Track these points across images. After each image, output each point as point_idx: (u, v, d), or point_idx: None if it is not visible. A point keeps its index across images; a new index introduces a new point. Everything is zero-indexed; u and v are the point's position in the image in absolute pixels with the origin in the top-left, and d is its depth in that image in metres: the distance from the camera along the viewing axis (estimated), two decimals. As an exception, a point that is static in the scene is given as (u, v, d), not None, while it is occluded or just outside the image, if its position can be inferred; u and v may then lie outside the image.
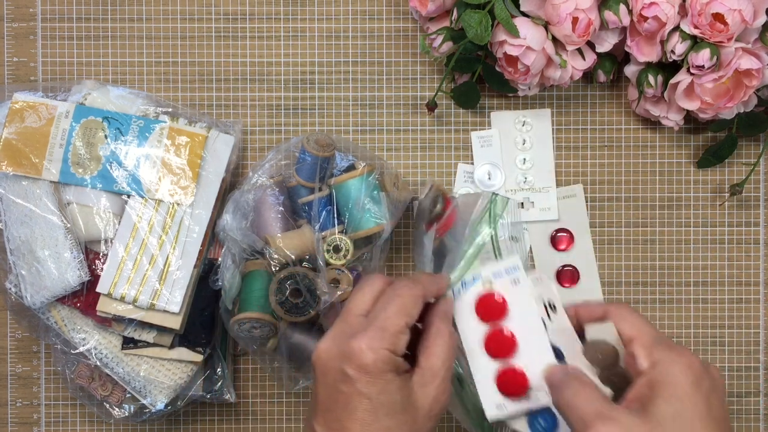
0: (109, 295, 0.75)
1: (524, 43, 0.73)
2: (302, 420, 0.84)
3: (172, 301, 0.75)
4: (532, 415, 0.62)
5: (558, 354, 0.62)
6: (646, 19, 0.73)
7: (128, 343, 0.77)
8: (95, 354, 0.77)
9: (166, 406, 0.78)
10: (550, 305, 0.64)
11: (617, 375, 0.60)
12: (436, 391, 0.57)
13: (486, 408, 0.63)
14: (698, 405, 0.52)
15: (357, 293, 0.61)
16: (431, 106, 0.80)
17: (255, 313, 0.74)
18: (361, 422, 0.55)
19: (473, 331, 0.64)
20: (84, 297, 0.76)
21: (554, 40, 0.75)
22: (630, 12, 0.74)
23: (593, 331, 0.62)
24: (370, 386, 0.55)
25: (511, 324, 0.63)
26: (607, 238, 0.84)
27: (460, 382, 0.66)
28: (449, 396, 0.58)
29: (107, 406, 0.79)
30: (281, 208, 0.76)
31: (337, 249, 0.75)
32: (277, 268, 0.74)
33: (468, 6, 0.73)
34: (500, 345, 0.62)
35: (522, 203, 0.83)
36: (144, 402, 0.78)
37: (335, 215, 0.76)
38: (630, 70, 0.78)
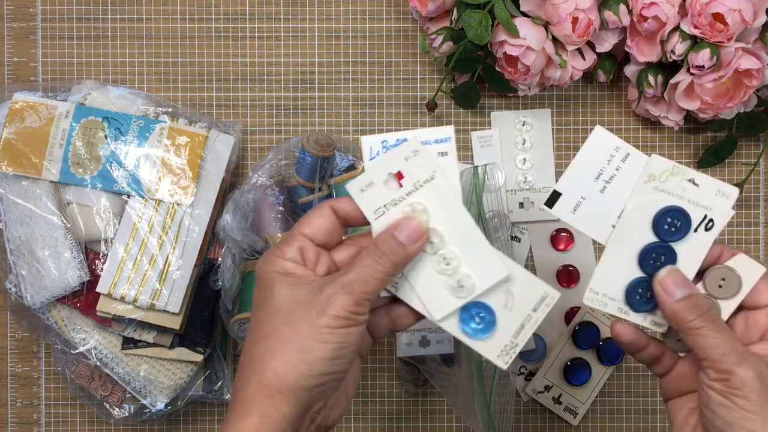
0: (109, 295, 0.75)
1: (524, 43, 0.73)
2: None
3: (172, 301, 0.75)
4: (465, 310, 0.58)
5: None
6: (646, 19, 0.73)
7: (128, 343, 0.77)
8: (95, 354, 0.77)
9: (166, 406, 0.78)
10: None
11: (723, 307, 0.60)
12: (332, 290, 0.53)
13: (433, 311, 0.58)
14: None
15: None
16: (431, 106, 0.80)
17: (255, 313, 0.74)
18: (252, 313, 0.56)
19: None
20: (84, 297, 0.76)
21: (554, 40, 0.75)
22: (630, 12, 0.74)
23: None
24: (255, 288, 0.56)
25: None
26: (607, 238, 0.83)
27: (478, 377, 0.66)
28: (341, 296, 0.54)
29: (107, 406, 0.79)
30: (281, 208, 0.76)
31: (337, 249, 0.74)
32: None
33: (468, 6, 0.73)
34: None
35: (522, 203, 0.83)
36: (144, 402, 0.78)
37: (335, 215, 0.76)
38: (630, 70, 0.78)
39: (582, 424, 0.84)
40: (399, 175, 0.57)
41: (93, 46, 0.83)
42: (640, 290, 0.59)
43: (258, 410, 0.52)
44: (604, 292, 0.59)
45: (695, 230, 0.59)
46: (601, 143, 0.60)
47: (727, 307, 0.59)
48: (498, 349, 0.58)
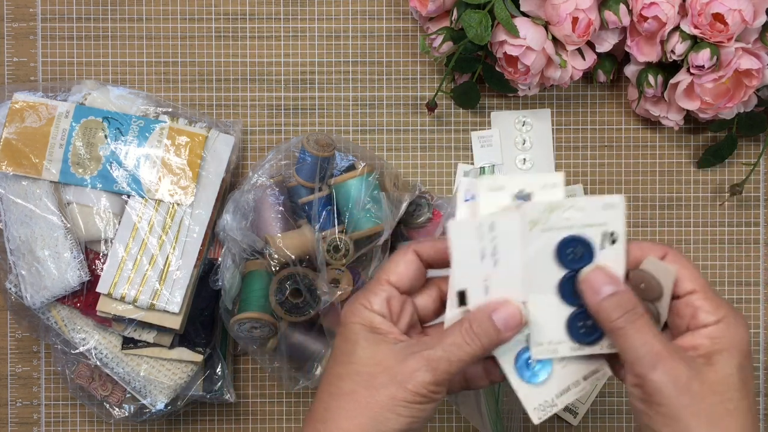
0: (109, 295, 0.75)
1: (524, 43, 0.73)
2: (303, 418, 0.84)
3: (172, 301, 0.75)
4: (526, 350, 0.57)
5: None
6: (646, 19, 0.73)
7: (128, 343, 0.77)
8: (95, 354, 0.77)
9: (166, 406, 0.78)
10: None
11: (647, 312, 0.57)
12: (417, 364, 0.54)
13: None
14: (749, 366, 0.54)
15: None
16: (431, 106, 0.80)
17: (255, 313, 0.74)
18: (328, 366, 0.56)
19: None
20: (84, 297, 0.76)
21: (554, 40, 0.75)
22: (630, 12, 0.74)
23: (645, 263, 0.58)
24: (338, 335, 0.56)
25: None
26: (607, 238, 0.83)
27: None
28: (422, 371, 0.54)
29: (107, 406, 0.79)
30: (281, 208, 0.76)
31: (337, 249, 0.75)
32: (277, 268, 0.74)
33: (468, 6, 0.73)
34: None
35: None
36: (144, 402, 0.78)
37: (335, 215, 0.76)
38: (630, 70, 0.78)
39: (582, 424, 0.84)
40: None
41: (93, 46, 0.83)
42: (579, 323, 0.56)
43: None
44: (548, 339, 0.57)
45: (601, 248, 0.56)
46: (462, 232, 0.55)
47: (661, 308, 0.57)
48: (538, 401, 0.57)
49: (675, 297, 0.56)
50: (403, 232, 0.77)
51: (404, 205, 0.76)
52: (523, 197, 0.56)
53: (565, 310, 0.56)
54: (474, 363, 0.55)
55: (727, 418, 0.51)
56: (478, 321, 0.54)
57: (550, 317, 0.56)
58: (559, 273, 0.56)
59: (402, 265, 0.57)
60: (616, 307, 0.54)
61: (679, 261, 0.56)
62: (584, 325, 0.56)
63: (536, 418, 0.57)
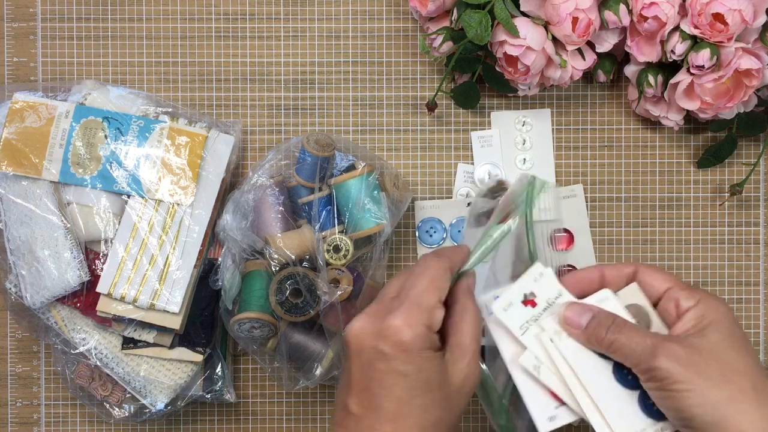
0: (109, 295, 0.75)
1: (524, 43, 0.73)
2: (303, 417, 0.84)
3: (172, 301, 0.75)
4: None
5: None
6: (646, 19, 0.73)
7: (128, 343, 0.77)
8: (95, 354, 0.77)
9: (166, 406, 0.78)
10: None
11: None
12: (467, 368, 0.57)
13: (538, 422, 0.62)
14: (742, 334, 0.58)
15: (394, 279, 0.61)
16: (431, 106, 0.80)
17: (255, 313, 0.74)
18: (398, 401, 0.54)
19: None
20: (84, 297, 0.76)
21: (554, 40, 0.75)
22: (630, 12, 0.74)
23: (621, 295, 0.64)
24: (407, 364, 0.55)
25: None
26: (607, 238, 0.84)
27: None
28: (479, 372, 0.59)
29: (107, 406, 0.79)
30: (281, 208, 0.76)
31: (337, 249, 0.75)
32: (277, 268, 0.74)
33: (468, 6, 0.73)
34: None
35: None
36: (144, 402, 0.78)
37: (335, 215, 0.76)
38: (630, 70, 0.78)
39: (582, 424, 0.84)
40: (532, 302, 0.62)
41: (93, 46, 0.83)
42: (649, 401, 0.59)
43: None
44: (635, 429, 0.60)
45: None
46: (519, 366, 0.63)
47: (654, 321, 0.62)
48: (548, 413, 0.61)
49: (657, 301, 0.62)
50: (473, 223, 0.76)
51: (474, 197, 0.75)
52: (529, 298, 0.62)
53: (632, 395, 0.60)
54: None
55: (733, 374, 0.56)
56: None
57: (617, 408, 0.60)
58: (607, 366, 0.61)
59: (447, 284, 0.59)
60: (599, 327, 0.59)
61: (648, 271, 0.62)
62: (649, 403, 0.60)
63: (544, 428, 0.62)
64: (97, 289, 0.75)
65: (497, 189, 0.73)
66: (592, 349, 0.61)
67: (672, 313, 0.60)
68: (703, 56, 0.72)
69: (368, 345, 0.56)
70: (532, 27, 0.74)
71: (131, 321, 0.76)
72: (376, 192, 0.76)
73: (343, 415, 0.57)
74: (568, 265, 0.83)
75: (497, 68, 0.78)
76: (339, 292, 0.74)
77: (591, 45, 0.77)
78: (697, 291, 0.60)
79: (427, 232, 0.83)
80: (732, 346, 0.57)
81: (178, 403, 0.79)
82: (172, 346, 0.77)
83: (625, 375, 0.60)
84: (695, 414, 0.55)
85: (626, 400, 0.60)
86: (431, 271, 0.58)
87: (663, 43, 0.74)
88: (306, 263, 0.74)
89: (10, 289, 0.77)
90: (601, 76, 0.80)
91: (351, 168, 0.78)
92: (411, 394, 0.55)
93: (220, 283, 0.76)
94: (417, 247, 0.83)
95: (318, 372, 0.76)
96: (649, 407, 0.59)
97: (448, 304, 0.60)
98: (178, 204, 0.77)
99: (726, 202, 0.84)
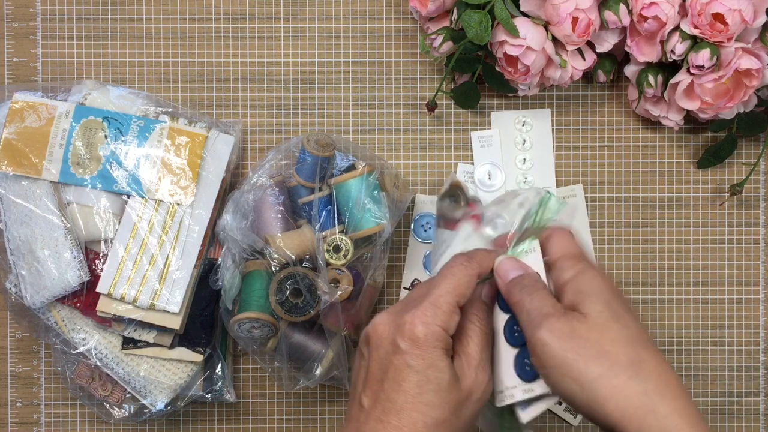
0: (109, 295, 0.75)
1: (524, 43, 0.73)
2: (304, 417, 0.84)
3: (172, 301, 0.75)
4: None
5: None
6: (646, 19, 0.73)
7: (128, 343, 0.77)
8: (95, 354, 0.77)
9: (166, 406, 0.78)
10: None
11: None
12: (475, 375, 0.57)
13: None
14: (621, 303, 0.57)
15: (425, 281, 0.62)
16: (431, 106, 0.80)
17: (255, 313, 0.74)
18: (406, 394, 0.56)
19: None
20: (84, 297, 0.76)
21: (554, 40, 0.75)
22: (630, 12, 0.74)
23: None
24: (419, 359, 0.56)
25: None
26: (607, 238, 0.84)
27: None
28: (489, 381, 0.59)
29: (107, 406, 0.79)
30: (281, 208, 0.76)
31: (337, 249, 0.75)
32: (277, 268, 0.74)
33: (468, 6, 0.73)
34: None
35: (522, 203, 0.83)
36: (144, 402, 0.78)
37: (335, 215, 0.76)
38: (630, 70, 0.78)
39: (582, 424, 0.84)
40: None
41: (93, 46, 0.83)
42: (526, 360, 0.59)
43: None
44: (504, 386, 0.60)
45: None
46: None
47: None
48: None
49: (549, 268, 0.60)
50: (441, 224, 0.76)
51: (442, 202, 0.76)
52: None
53: (512, 352, 0.60)
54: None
55: (611, 347, 0.54)
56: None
57: (503, 363, 0.60)
58: (503, 318, 0.61)
59: (469, 289, 0.59)
60: (517, 286, 0.58)
61: (556, 234, 0.61)
62: (529, 363, 0.59)
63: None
64: (97, 289, 0.75)
65: (452, 192, 0.74)
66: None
67: (558, 283, 0.59)
68: (703, 56, 0.72)
69: (387, 340, 0.57)
70: (532, 27, 0.74)
71: (131, 321, 0.76)
72: (376, 192, 0.76)
73: (355, 409, 0.58)
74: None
75: (497, 68, 0.78)
76: (339, 292, 0.74)
77: (591, 45, 0.77)
78: (580, 260, 0.59)
79: (422, 226, 0.83)
80: (611, 317, 0.55)
81: (178, 403, 0.79)
82: (172, 346, 0.77)
83: (513, 331, 0.60)
84: (572, 392, 0.54)
85: (507, 355, 0.60)
86: (457, 275, 0.59)
87: (663, 43, 0.74)
88: (306, 263, 0.74)
89: (10, 289, 0.77)
90: (601, 76, 0.80)
91: (351, 168, 0.78)
92: (420, 390, 0.56)
93: (220, 283, 0.76)
94: (409, 240, 0.83)
95: (318, 372, 0.76)
96: (522, 367, 0.59)
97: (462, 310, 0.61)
98: (178, 204, 0.77)
99: (726, 202, 0.84)
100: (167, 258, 0.76)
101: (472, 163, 0.83)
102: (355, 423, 0.57)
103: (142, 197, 0.76)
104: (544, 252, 0.61)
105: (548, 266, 0.61)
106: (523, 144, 0.83)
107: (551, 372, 0.55)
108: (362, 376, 0.59)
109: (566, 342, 0.54)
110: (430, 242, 0.83)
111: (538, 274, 0.60)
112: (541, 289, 0.58)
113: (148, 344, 0.77)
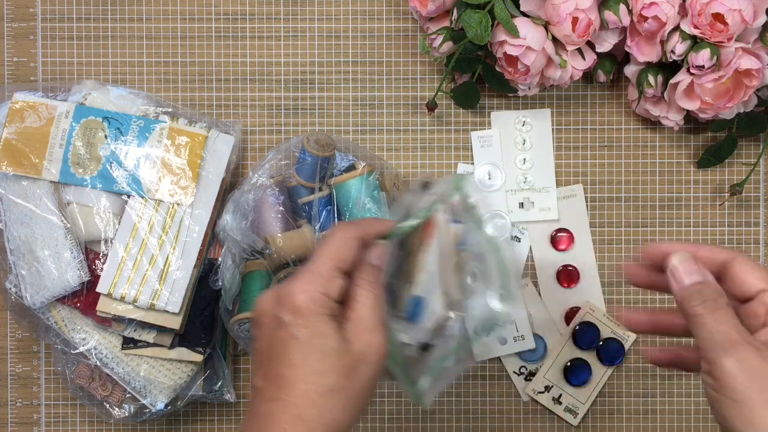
0: (109, 295, 0.75)
1: (524, 43, 0.73)
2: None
3: (172, 301, 0.75)
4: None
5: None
6: (646, 19, 0.73)
7: (128, 343, 0.77)
8: (95, 354, 0.77)
9: (166, 406, 0.78)
10: None
11: None
12: (369, 337, 0.55)
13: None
14: None
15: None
16: (431, 106, 0.80)
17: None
18: (294, 367, 0.54)
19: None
20: (84, 297, 0.76)
21: (554, 40, 0.75)
22: (630, 12, 0.74)
23: None
24: (302, 329, 0.54)
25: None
26: (607, 238, 0.84)
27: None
28: (384, 342, 0.56)
29: (107, 406, 0.79)
30: (281, 208, 0.76)
31: (337, 249, 0.74)
32: (277, 268, 0.74)
33: (468, 6, 0.73)
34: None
35: (522, 203, 0.83)
36: (144, 402, 0.78)
37: (335, 215, 0.76)
38: (630, 70, 0.78)
39: (582, 424, 0.84)
40: None
41: (93, 46, 0.83)
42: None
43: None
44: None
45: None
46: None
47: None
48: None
49: (748, 299, 0.57)
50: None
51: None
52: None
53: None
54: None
55: None
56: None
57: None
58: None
59: (349, 252, 0.57)
60: (696, 295, 0.56)
61: (745, 265, 0.58)
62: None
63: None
64: (97, 289, 0.75)
65: (426, 188, 0.73)
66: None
67: (760, 317, 0.56)
68: (703, 56, 0.72)
69: (270, 316, 0.56)
70: (532, 27, 0.74)
71: (131, 321, 0.76)
72: (376, 192, 0.76)
73: (252, 394, 0.56)
74: (569, 266, 0.83)
75: (497, 68, 0.78)
76: (339, 292, 0.73)
77: (591, 45, 0.77)
78: None
79: None
80: None
81: (178, 403, 0.79)
82: (172, 346, 0.77)
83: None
84: (736, 428, 0.52)
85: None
86: (334, 241, 0.57)
87: (663, 43, 0.74)
88: (306, 263, 0.74)
89: (10, 289, 0.77)
90: (601, 76, 0.80)
91: (351, 168, 0.78)
92: (306, 360, 0.54)
93: (220, 283, 0.76)
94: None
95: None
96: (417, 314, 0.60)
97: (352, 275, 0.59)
98: (178, 204, 0.77)
99: (726, 202, 0.84)
100: (167, 258, 0.76)
101: (473, 163, 0.83)
102: (250, 407, 0.56)
103: (142, 197, 0.76)
104: (731, 281, 0.58)
105: (744, 298, 0.58)
106: (523, 144, 0.83)
107: (725, 402, 0.53)
108: (256, 360, 0.57)
109: (753, 380, 0.52)
110: None
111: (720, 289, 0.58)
112: (724, 306, 0.55)
113: (148, 344, 0.77)
